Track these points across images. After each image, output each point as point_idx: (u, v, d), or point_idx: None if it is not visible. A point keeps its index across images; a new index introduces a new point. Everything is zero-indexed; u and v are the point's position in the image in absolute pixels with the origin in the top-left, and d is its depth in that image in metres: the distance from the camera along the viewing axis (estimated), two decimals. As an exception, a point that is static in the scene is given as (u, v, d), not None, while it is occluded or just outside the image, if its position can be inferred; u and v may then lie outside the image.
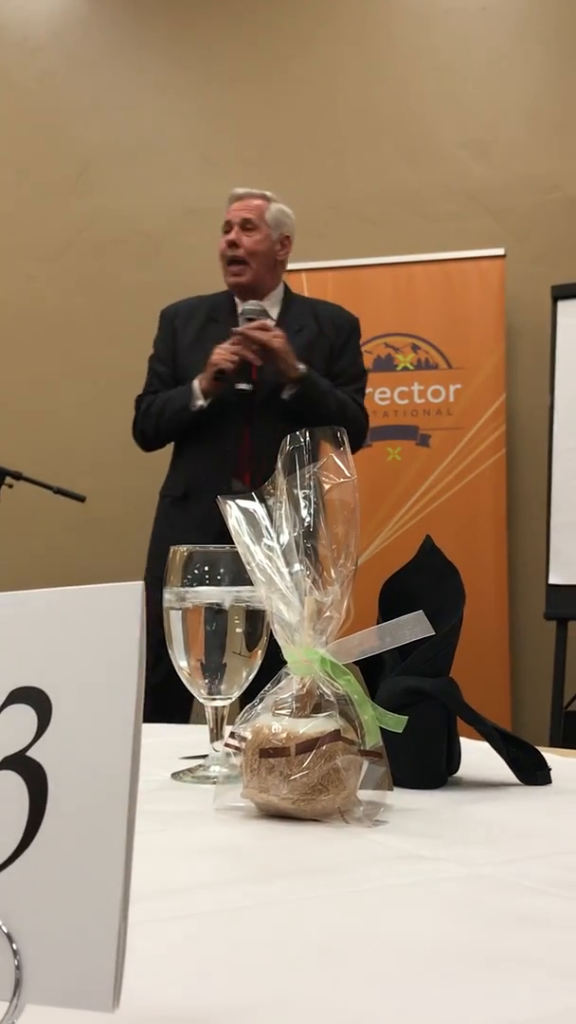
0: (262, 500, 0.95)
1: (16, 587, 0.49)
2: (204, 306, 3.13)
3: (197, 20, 4.74)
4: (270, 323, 2.96)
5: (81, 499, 3.43)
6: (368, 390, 4.07)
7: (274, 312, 3.09)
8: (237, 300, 3.10)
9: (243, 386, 2.90)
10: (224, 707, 1.06)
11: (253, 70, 4.70)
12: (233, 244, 3.03)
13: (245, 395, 2.95)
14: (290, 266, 4.12)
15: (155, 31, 4.79)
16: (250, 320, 2.94)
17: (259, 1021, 0.48)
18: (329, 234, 4.49)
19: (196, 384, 2.93)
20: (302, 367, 2.93)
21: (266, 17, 4.71)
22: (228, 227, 3.08)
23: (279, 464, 0.94)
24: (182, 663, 1.06)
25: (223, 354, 2.87)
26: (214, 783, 0.98)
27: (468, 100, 4.56)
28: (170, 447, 3.13)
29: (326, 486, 0.93)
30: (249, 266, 3.04)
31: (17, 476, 3.49)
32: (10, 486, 3.50)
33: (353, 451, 0.95)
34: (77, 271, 4.72)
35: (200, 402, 2.91)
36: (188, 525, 2.91)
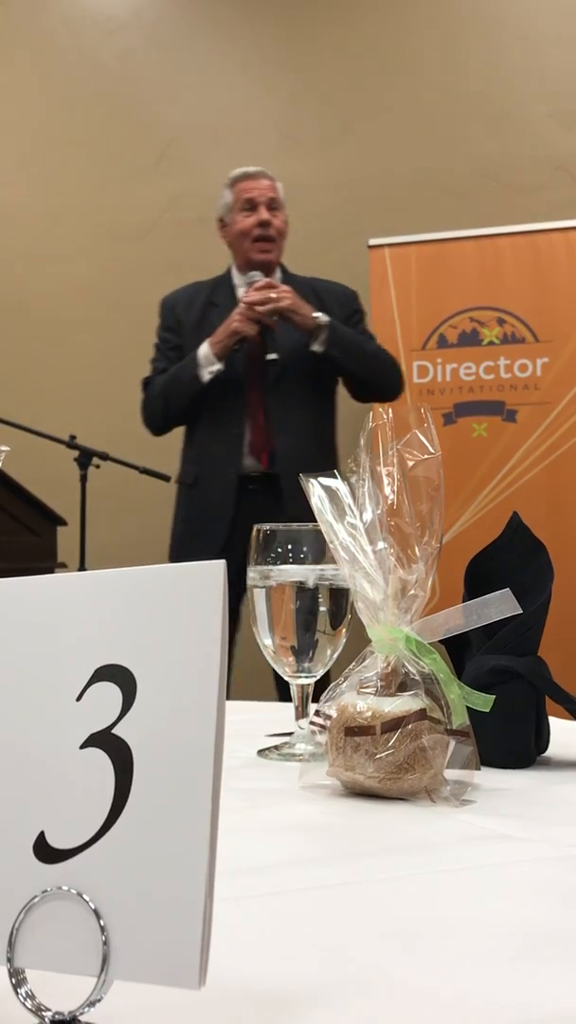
0: (344, 478, 0.94)
1: (104, 565, 0.49)
2: (202, 291, 3.18)
3: (277, -4, 4.71)
4: (274, 281, 2.99)
5: (166, 479, 3.45)
6: (453, 365, 4.05)
7: None
8: (235, 280, 3.14)
9: (272, 356, 2.89)
10: (309, 685, 1.06)
11: (332, 46, 4.65)
12: (266, 223, 3.08)
13: (259, 371, 2.94)
14: (372, 241, 4.10)
15: (234, 9, 4.77)
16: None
17: (346, 1001, 0.47)
18: (411, 209, 4.44)
19: (204, 351, 2.94)
20: (321, 315, 2.94)
21: (347, -10, 4.66)
22: (251, 205, 3.12)
23: (361, 441, 0.93)
24: (267, 641, 1.06)
25: (242, 321, 2.89)
26: (299, 761, 0.98)
27: (555, 69, 4.46)
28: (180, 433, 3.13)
29: (410, 463, 0.92)
30: (277, 244, 3.12)
31: (104, 456, 3.53)
32: (97, 466, 3.54)
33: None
34: (161, 252, 4.74)
35: (216, 367, 2.92)
36: (201, 511, 2.92)
